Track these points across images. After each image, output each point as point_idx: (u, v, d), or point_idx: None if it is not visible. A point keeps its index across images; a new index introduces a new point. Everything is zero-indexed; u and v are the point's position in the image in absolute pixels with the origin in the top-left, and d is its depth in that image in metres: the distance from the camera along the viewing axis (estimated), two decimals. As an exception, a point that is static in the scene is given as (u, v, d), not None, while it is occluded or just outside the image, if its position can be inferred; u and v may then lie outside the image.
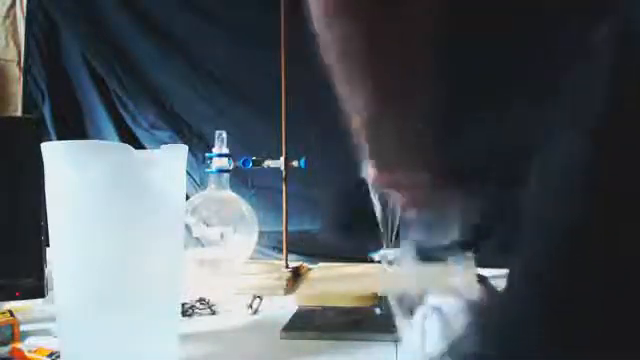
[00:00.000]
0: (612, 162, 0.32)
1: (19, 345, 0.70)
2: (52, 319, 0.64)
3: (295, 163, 1.14)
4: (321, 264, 1.25)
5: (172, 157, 0.64)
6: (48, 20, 1.61)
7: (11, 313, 0.75)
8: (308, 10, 0.43)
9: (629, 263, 0.32)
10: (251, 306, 0.90)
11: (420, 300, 0.70)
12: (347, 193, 0.74)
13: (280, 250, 1.20)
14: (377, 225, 1.20)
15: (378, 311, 0.88)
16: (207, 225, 1.11)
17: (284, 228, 1.15)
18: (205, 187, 1.23)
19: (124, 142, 0.63)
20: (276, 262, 1.21)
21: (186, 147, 0.66)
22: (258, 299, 0.92)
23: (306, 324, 0.80)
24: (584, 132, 0.33)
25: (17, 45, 1.62)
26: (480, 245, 0.57)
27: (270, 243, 1.36)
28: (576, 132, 0.33)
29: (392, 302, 0.72)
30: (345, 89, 0.46)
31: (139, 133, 1.56)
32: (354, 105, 0.47)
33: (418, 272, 0.76)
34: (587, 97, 0.33)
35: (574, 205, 0.34)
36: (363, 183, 0.59)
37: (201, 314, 0.88)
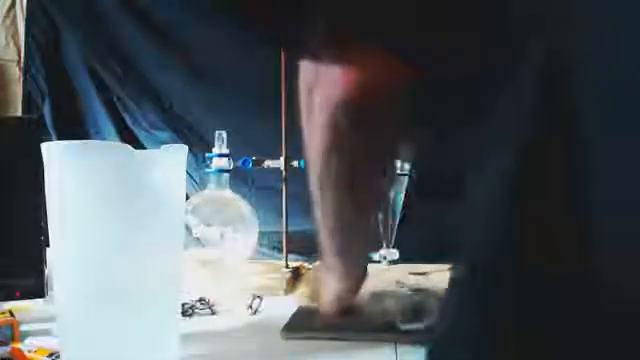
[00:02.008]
0: (536, 179, 0.35)
1: (19, 345, 0.70)
2: (52, 319, 0.64)
3: (295, 163, 1.13)
4: (321, 264, 1.25)
5: (172, 157, 0.64)
6: (48, 20, 1.61)
7: (11, 313, 0.75)
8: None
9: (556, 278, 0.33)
10: (251, 306, 0.90)
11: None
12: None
13: (280, 250, 1.20)
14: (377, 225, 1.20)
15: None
16: (207, 225, 1.11)
17: (284, 228, 1.15)
18: (205, 187, 1.23)
19: (124, 142, 0.63)
20: (276, 262, 1.21)
21: (186, 147, 0.66)
22: (258, 299, 0.92)
23: (306, 324, 0.80)
24: (511, 152, 0.36)
25: (17, 45, 1.62)
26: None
27: (270, 243, 1.36)
28: (504, 153, 0.36)
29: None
30: (327, 211, 0.61)
31: (139, 133, 1.56)
32: (328, 218, 0.62)
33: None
34: (515, 121, 0.36)
35: (500, 221, 0.36)
36: None
37: (201, 314, 0.88)
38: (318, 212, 0.63)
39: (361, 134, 0.53)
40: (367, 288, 0.79)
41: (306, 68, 0.53)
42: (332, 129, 0.52)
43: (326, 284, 0.73)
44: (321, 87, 0.51)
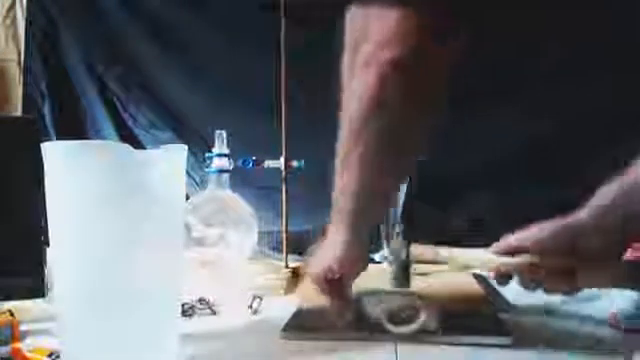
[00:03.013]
0: None
1: (19, 345, 0.70)
2: (52, 319, 0.64)
3: (295, 163, 1.14)
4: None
5: (172, 157, 0.64)
6: (48, 20, 1.61)
7: (11, 313, 0.75)
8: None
9: None
10: (251, 306, 0.90)
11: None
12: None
13: (280, 250, 1.20)
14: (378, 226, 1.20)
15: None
16: (207, 225, 1.11)
17: (284, 228, 1.15)
18: (205, 187, 1.23)
19: (124, 142, 0.63)
20: (276, 262, 1.21)
21: (186, 147, 0.66)
22: (258, 299, 0.92)
23: (305, 324, 0.80)
24: None
25: (17, 45, 1.62)
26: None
27: (270, 243, 1.36)
28: None
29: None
30: (355, 173, 0.60)
31: (139, 133, 1.56)
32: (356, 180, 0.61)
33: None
34: None
35: None
36: None
37: (201, 314, 0.88)
38: (343, 174, 0.62)
39: (407, 94, 0.52)
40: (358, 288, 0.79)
41: (354, 23, 0.52)
42: (378, 86, 0.52)
43: (324, 250, 0.72)
44: (370, 42, 0.50)
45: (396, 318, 0.73)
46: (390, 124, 0.56)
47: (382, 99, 0.53)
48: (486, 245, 0.70)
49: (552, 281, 0.63)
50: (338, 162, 0.63)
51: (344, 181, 0.63)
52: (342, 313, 0.75)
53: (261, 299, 0.92)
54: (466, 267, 0.74)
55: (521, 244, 0.65)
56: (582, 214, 0.62)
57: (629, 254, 0.67)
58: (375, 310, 0.75)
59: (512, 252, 0.65)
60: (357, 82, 0.55)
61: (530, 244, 0.64)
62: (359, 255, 0.71)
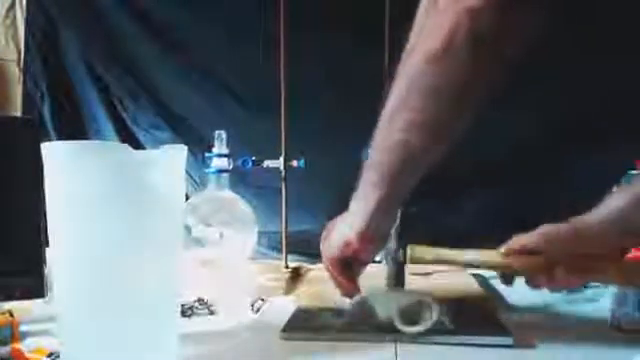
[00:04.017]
0: None
1: (19, 345, 0.70)
2: (52, 319, 0.64)
3: (295, 163, 1.14)
4: (321, 264, 1.24)
5: (172, 157, 0.64)
6: (48, 20, 1.61)
7: (11, 313, 0.75)
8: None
9: None
10: (252, 306, 0.90)
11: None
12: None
13: (280, 250, 1.20)
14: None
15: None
16: (207, 225, 1.11)
17: (283, 228, 1.15)
18: (205, 187, 1.23)
19: (124, 142, 0.63)
20: (276, 262, 1.21)
21: (186, 147, 0.66)
22: (259, 300, 0.92)
23: (305, 324, 0.80)
24: None
25: (17, 45, 1.62)
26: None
27: (270, 243, 1.36)
28: None
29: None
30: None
31: (139, 133, 1.56)
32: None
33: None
34: None
35: None
36: None
37: (200, 314, 0.88)
38: (388, 128, 0.60)
39: (477, 50, 0.50)
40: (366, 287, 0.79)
41: None
42: (449, 35, 0.50)
43: (343, 224, 0.71)
44: None
45: (406, 317, 0.73)
46: (449, 79, 0.53)
47: (449, 49, 0.51)
48: (482, 246, 0.71)
49: (557, 280, 0.65)
50: (385, 115, 0.60)
51: (387, 137, 0.61)
52: (349, 297, 0.76)
53: (261, 299, 0.92)
54: (468, 267, 0.74)
55: (533, 245, 0.65)
56: (590, 218, 0.63)
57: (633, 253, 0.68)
58: (385, 310, 0.75)
59: (524, 253, 0.66)
60: (427, 30, 0.53)
61: (541, 245, 0.65)
62: (380, 229, 0.70)
